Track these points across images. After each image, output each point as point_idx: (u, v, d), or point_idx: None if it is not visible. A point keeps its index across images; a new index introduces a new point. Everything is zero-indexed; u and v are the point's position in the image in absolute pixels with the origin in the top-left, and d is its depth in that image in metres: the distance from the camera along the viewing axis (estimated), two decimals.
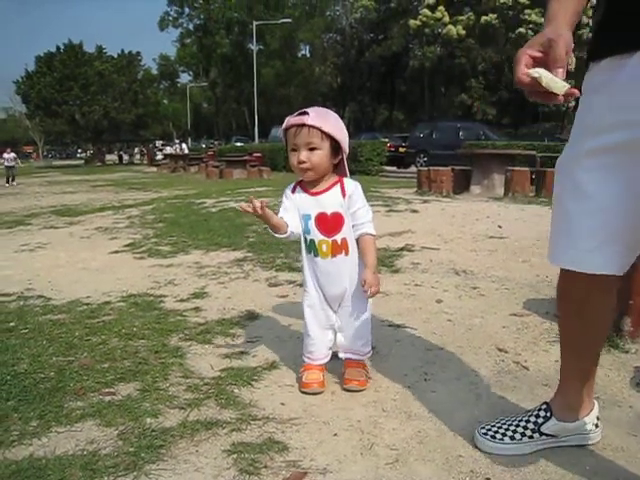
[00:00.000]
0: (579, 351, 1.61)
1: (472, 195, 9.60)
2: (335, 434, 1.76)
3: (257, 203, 1.85)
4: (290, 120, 1.95)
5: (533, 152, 12.62)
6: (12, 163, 22.05)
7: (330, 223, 2.00)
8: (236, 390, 2.06)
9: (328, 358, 2.15)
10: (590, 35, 1.38)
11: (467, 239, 5.07)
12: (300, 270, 3.77)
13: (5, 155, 22.57)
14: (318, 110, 1.95)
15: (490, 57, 37.71)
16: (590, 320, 1.54)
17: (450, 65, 38.69)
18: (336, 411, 1.91)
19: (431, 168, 10.17)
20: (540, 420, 1.64)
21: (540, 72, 1.21)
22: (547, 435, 1.63)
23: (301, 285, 2.88)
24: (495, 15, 35.60)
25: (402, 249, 4.59)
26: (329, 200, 2.00)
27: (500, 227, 5.65)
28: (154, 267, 4.30)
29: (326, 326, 2.12)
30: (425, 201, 8.07)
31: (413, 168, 18.23)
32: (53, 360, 2.36)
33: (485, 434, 1.67)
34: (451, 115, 37.48)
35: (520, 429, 1.65)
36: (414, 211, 6.89)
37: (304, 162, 1.92)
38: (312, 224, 2.01)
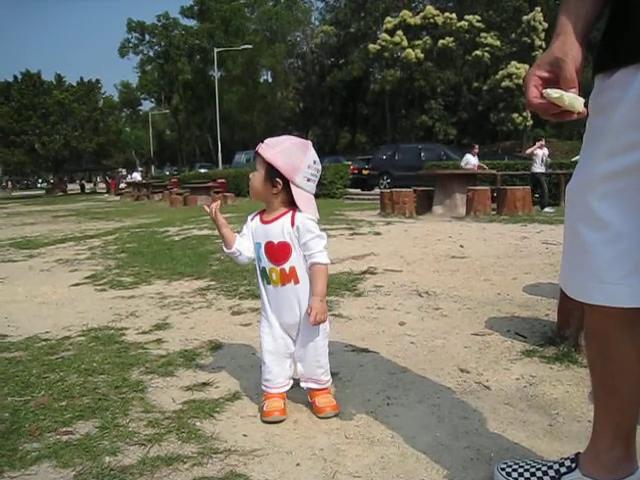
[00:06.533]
0: (608, 401, 1.41)
1: (435, 215, 9.73)
2: (298, 464, 1.74)
3: (213, 205, 2.08)
4: None
5: (493, 171, 12.88)
6: None
7: (277, 252, 2.05)
8: (198, 423, 2.03)
9: (288, 387, 2.14)
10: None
11: (429, 260, 5.13)
12: None
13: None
14: (274, 139, 2.04)
15: (448, 79, 38.60)
16: (618, 364, 1.35)
17: (410, 88, 39.41)
18: (299, 440, 1.90)
19: (394, 190, 10.31)
20: (563, 469, 1.46)
21: (560, 92, 1.18)
22: None
23: None
24: (452, 38, 36.56)
25: (365, 272, 4.61)
26: (276, 230, 2.04)
27: (462, 247, 5.73)
28: (116, 299, 4.23)
29: (285, 354, 2.11)
30: (388, 223, 8.15)
31: (377, 190, 18.40)
32: (8, 400, 2.29)
33: (502, 469, 1.56)
34: (413, 137, 38.12)
35: (539, 473, 1.49)
36: (377, 233, 6.95)
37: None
38: (262, 252, 2.07)
